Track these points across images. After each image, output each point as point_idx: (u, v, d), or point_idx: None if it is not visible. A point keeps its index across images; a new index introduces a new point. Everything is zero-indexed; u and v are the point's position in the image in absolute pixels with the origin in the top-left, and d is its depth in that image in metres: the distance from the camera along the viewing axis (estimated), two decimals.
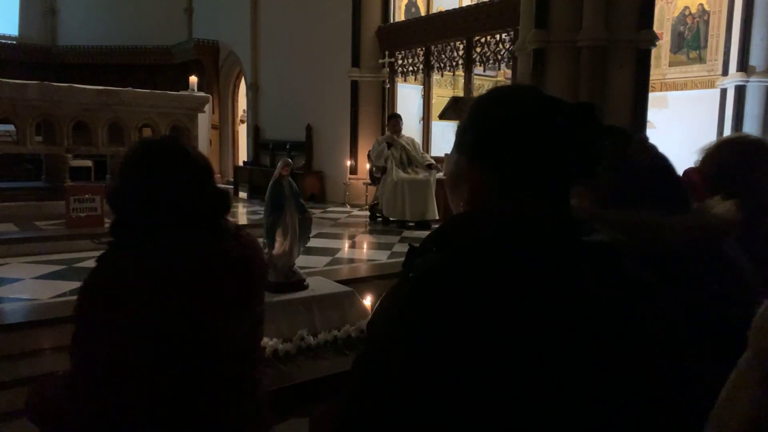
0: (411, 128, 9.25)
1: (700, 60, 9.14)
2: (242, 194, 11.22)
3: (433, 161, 7.81)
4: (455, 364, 0.75)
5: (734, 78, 8.35)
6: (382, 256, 5.66)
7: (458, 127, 0.95)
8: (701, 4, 9.12)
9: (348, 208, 9.25)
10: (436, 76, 9.77)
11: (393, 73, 9.91)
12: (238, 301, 1.39)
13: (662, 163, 1.29)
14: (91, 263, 1.38)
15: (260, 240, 3.91)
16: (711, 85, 8.87)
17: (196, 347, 1.32)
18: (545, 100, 0.88)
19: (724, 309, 1.20)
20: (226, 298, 1.37)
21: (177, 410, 1.31)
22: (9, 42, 14.90)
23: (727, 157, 1.69)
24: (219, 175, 13.87)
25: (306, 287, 3.78)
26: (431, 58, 9.33)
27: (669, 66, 9.47)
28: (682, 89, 9.30)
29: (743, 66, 8.25)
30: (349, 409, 0.83)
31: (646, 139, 1.34)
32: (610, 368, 0.81)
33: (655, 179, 1.25)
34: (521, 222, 0.81)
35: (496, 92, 0.94)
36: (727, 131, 8.36)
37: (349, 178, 9.78)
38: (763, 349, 0.77)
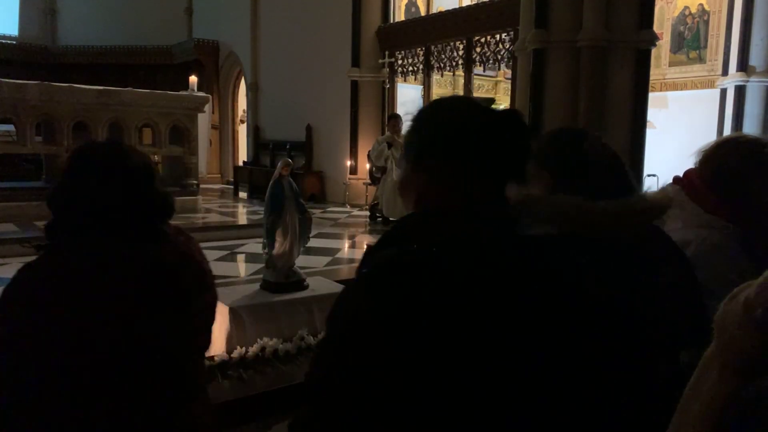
0: None
1: (700, 60, 9.14)
2: (242, 194, 11.22)
3: None
4: (405, 351, 0.80)
5: (734, 78, 8.35)
6: None
7: (404, 137, 1.04)
8: (701, 4, 9.12)
9: (348, 208, 9.25)
10: (436, 76, 9.76)
11: (393, 73, 9.91)
12: (162, 308, 1.35)
13: (612, 157, 1.42)
14: None
15: (260, 240, 3.91)
16: (711, 85, 8.87)
17: (116, 354, 1.30)
18: (477, 108, 0.97)
19: (657, 293, 1.29)
20: (148, 305, 1.33)
21: (100, 418, 1.29)
22: (9, 42, 14.90)
23: (726, 158, 1.68)
24: (219, 175, 13.89)
25: (306, 287, 3.79)
26: (431, 58, 9.33)
27: (669, 66, 9.47)
28: (682, 89, 9.30)
29: (743, 66, 8.24)
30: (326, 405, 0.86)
31: (599, 136, 1.45)
32: (557, 356, 0.87)
33: (605, 170, 1.38)
34: (465, 219, 0.89)
35: (434, 105, 1.03)
36: (727, 131, 8.35)
37: (349, 178, 9.78)
38: (724, 341, 0.79)
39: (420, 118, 1.01)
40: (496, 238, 0.88)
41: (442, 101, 1.05)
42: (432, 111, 1.01)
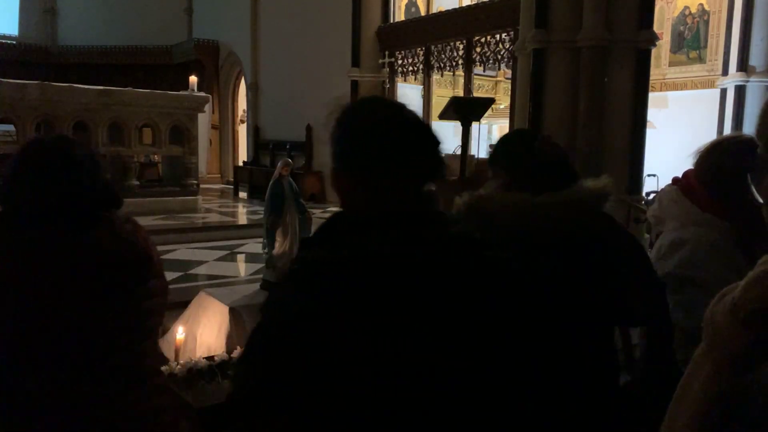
0: None
1: (700, 60, 9.14)
2: (242, 194, 11.22)
3: None
4: (321, 349, 0.87)
5: (734, 78, 8.34)
6: None
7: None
8: (701, 4, 9.12)
9: None
10: (436, 76, 9.76)
11: (393, 73, 9.90)
12: (97, 294, 1.41)
13: (560, 155, 1.54)
14: None
15: (261, 239, 3.90)
16: (711, 85, 8.87)
17: (49, 339, 1.36)
18: (392, 113, 1.02)
19: (599, 280, 1.38)
20: (83, 291, 1.39)
21: (37, 404, 1.35)
22: (9, 42, 14.89)
23: (722, 157, 1.69)
24: (219, 175, 13.88)
25: None
26: (431, 58, 9.33)
27: (669, 66, 9.47)
28: (682, 89, 9.30)
29: (743, 66, 8.24)
30: (245, 371, 0.98)
31: (549, 136, 1.57)
32: (460, 352, 0.91)
33: (553, 167, 1.49)
34: (382, 222, 0.94)
35: (353, 109, 1.07)
36: (727, 131, 8.34)
37: None
38: (713, 340, 0.81)
39: (338, 124, 1.05)
40: (415, 242, 0.92)
41: (360, 105, 1.11)
42: (351, 115, 1.05)
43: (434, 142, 1.03)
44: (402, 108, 1.03)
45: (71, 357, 1.37)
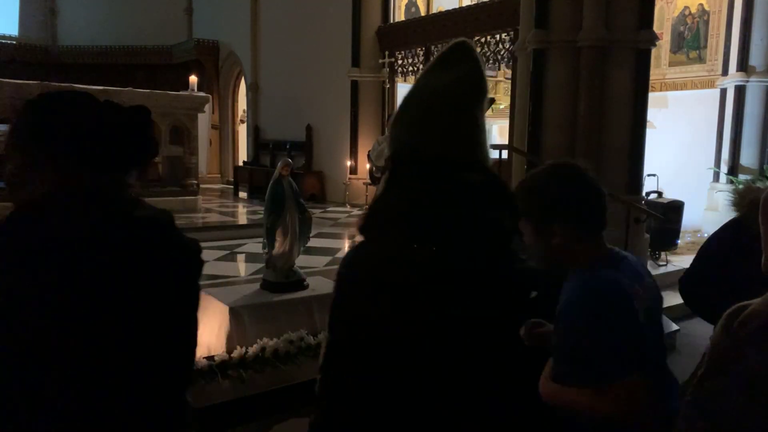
0: None
1: (700, 60, 9.13)
2: (242, 194, 11.22)
3: None
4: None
5: (734, 78, 8.34)
6: None
7: None
8: (701, 4, 9.12)
9: (348, 208, 9.25)
10: None
11: (393, 73, 9.90)
12: None
13: None
14: None
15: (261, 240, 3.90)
16: (711, 85, 8.87)
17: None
18: (98, 106, 1.18)
19: None
20: None
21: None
22: (9, 42, 14.89)
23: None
24: (219, 175, 13.88)
25: (306, 287, 3.80)
26: (431, 58, 9.31)
27: (669, 66, 9.46)
28: (682, 89, 9.29)
29: (743, 66, 8.24)
30: None
31: None
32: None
33: None
34: (87, 198, 1.12)
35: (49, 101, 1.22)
36: (727, 131, 8.35)
37: (349, 178, 9.78)
38: None
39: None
40: (101, 216, 1.11)
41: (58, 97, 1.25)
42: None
43: (144, 135, 1.23)
44: (113, 105, 1.19)
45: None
